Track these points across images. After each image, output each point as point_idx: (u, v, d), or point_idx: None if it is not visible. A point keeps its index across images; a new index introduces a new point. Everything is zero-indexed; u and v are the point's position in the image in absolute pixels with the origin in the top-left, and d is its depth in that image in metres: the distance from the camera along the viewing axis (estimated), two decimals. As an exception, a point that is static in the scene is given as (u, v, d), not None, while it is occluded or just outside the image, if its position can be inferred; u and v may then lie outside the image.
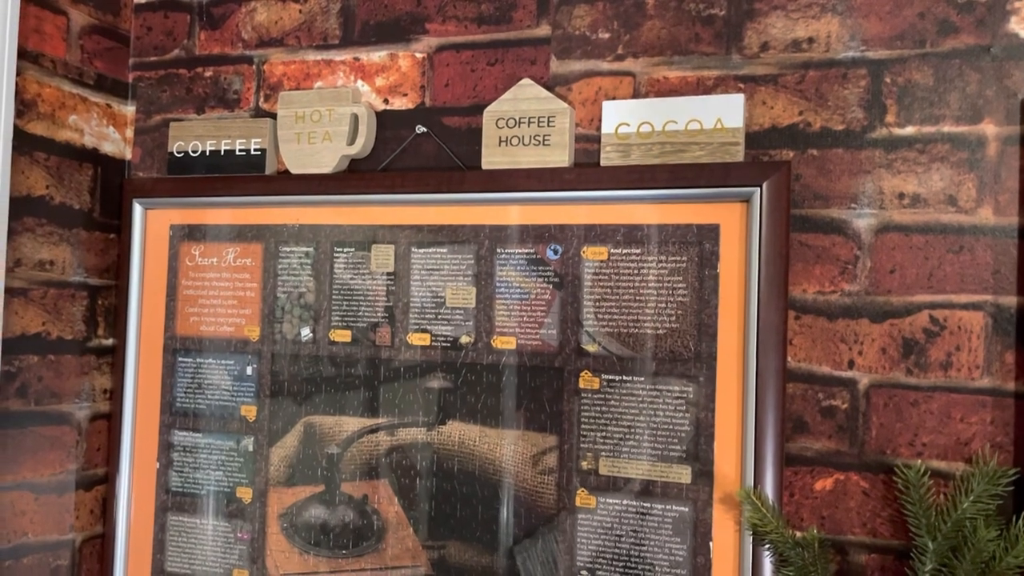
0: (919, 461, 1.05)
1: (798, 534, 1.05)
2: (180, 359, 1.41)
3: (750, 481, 1.09)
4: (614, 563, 1.16)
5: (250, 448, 1.36)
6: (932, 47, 1.08)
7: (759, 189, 1.11)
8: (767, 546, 1.07)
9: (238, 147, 1.38)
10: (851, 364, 1.10)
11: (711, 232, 1.15)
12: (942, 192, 1.07)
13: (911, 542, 1.02)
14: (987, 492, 1.00)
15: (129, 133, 1.48)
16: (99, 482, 1.42)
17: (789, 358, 1.12)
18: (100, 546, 1.42)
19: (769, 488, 1.09)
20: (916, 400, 1.07)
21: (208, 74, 1.44)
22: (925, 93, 1.08)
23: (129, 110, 1.48)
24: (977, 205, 1.06)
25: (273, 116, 1.39)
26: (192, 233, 1.42)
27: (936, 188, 1.08)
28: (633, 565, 1.16)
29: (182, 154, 1.42)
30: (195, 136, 1.41)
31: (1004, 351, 1.04)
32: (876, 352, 1.09)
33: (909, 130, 1.09)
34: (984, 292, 1.05)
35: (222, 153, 1.39)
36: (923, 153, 1.08)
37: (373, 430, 1.30)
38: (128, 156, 1.48)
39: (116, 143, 1.46)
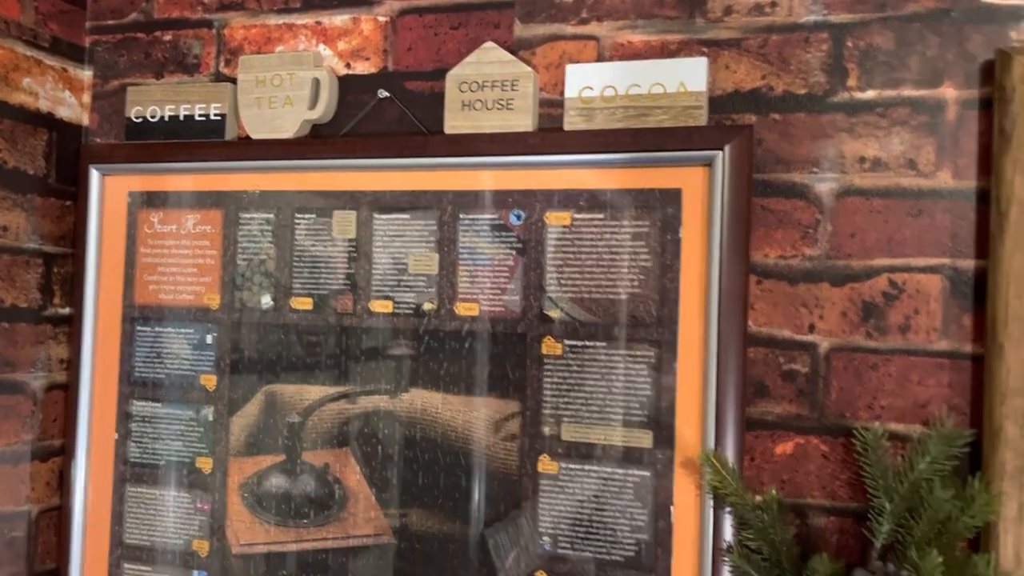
0: (877, 424, 1.06)
1: (757, 497, 1.06)
2: (139, 328, 1.39)
3: (711, 445, 1.09)
4: (576, 528, 1.16)
5: (210, 418, 1.35)
6: (893, 10, 1.08)
7: (721, 153, 1.10)
8: (727, 509, 1.08)
9: (198, 112, 1.36)
10: (812, 328, 1.10)
11: (673, 197, 1.14)
12: (902, 156, 1.08)
13: (869, 504, 1.03)
14: (943, 453, 1.01)
15: (86, 98, 1.45)
16: (55, 453, 1.40)
17: (750, 322, 1.12)
18: (57, 518, 1.40)
19: (730, 452, 1.09)
20: (875, 363, 1.08)
21: (167, 38, 1.41)
22: (886, 57, 1.08)
23: (86, 74, 1.45)
24: (936, 169, 1.06)
25: (233, 81, 1.36)
26: (151, 200, 1.39)
27: (896, 152, 1.08)
28: (595, 530, 1.15)
29: (140, 119, 1.39)
30: (154, 101, 1.39)
31: (961, 314, 1.05)
32: (836, 316, 1.10)
33: (870, 94, 1.09)
34: (942, 255, 1.06)
35: (181, 118, 1.37)
36: (884, 117, 1.08)
37: (335, 398, 1.29)
38: (85, 121, 1.45)
39: (72, 108, 1.43)
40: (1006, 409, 0.99)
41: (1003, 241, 1.00)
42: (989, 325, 1.01)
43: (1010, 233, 0.99)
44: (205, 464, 1.34)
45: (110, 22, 1.44)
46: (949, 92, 1.06)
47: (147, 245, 1.39)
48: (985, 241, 1.03)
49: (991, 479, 0.99)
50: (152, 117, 1.38)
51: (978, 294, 1.04)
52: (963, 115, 1.05)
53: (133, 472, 1.38)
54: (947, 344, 1.05)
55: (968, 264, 1.05)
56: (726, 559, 1.07)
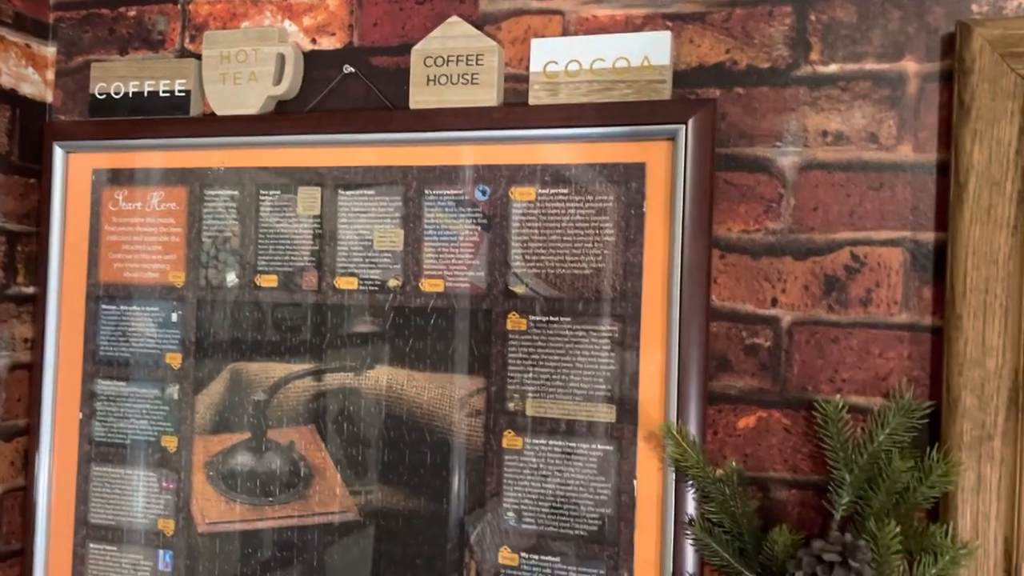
0: (838, 396, 1.06)
1: (719, 471, 1.06)
2: (103, 307, 1.38)
3: (674, 419, 1.09)
4: (540, 503, 1.16)
5: (175, 396, 1.34)
6: (855, -16, 1.08)
7: (684, 127, 1.10)
8: (689, 482, 1.08)
9: (162, 88, 1.35)
10: (774, 302, 1.11)
11: (637, 171, 1.14)
12: (864, 129, 1.08)
13: (829, 476, 1.03)
14: (903, 425, 1.01)
15: (50, 75, 1.43)
16: (19, 433, 1.39)
17: (713, 297, 1.12)
18: (22, 498, 1.39)
19: (693, 426, 1.09)
20: (837, 336, 1.08)
21: (132, 14, 1.40)
22: (848, 31, 1.08)
23: (50, 51, 1.43)
24: (897, 142, 1.06)
25: (198, 57, 1.35)
26: (115, 177, 1.38)
27: (858, 125, 1.08)
28: (559, 504, 1.15)
29: (104, 96, 1.38)
30: (118, 77, 1.37)
31: (922, 287, 1.05)
32: (799, 290, 1.10)
33: (832, 68, 1.09)
34: (903, 228, 1.06)
35: (146, 95, 1.35)
36: (845, 91, 1.08)
37: (300, 376, 1.28)
38: (49, 98, 1.43)
39: (36, 84, 1.41)
40: (964, 380, 0.99)
41: (962, 213, 1.00)
42: (948, 297, 1.01)
43: (969, 205, 1.00)
44: (170, 443, 1.34)
45: (74, -2, 1.43)
46: (910, 65, 1.06)
47: (112, 223, 1.38)
48: (945, 213, 1.03)
49: (949, 450, 1.00)
50: (116, 93, 1.37)
51: (938, 267, 1.05)
52: (924, 88, 1.06)
53: (98, 451, 1.37)
54: (907, 317, 1.06)
55: (928, 237, 1.05)
56: (688, 532, 1.07)
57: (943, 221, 1.04)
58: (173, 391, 1.34)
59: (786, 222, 1.10)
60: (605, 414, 1.14)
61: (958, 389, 1.00)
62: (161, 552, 1.33)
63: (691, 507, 1.09)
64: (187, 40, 1.37)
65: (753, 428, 1.11)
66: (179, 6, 1.38)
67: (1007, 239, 0.99)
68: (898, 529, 0.95)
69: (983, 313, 0.99)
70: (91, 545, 1.36)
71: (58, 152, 1.38)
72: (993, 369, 0.99)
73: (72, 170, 1.39)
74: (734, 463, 1.05)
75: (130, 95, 1.36)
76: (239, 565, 1.29)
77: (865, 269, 1.07)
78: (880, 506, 0.99)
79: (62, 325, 1.39)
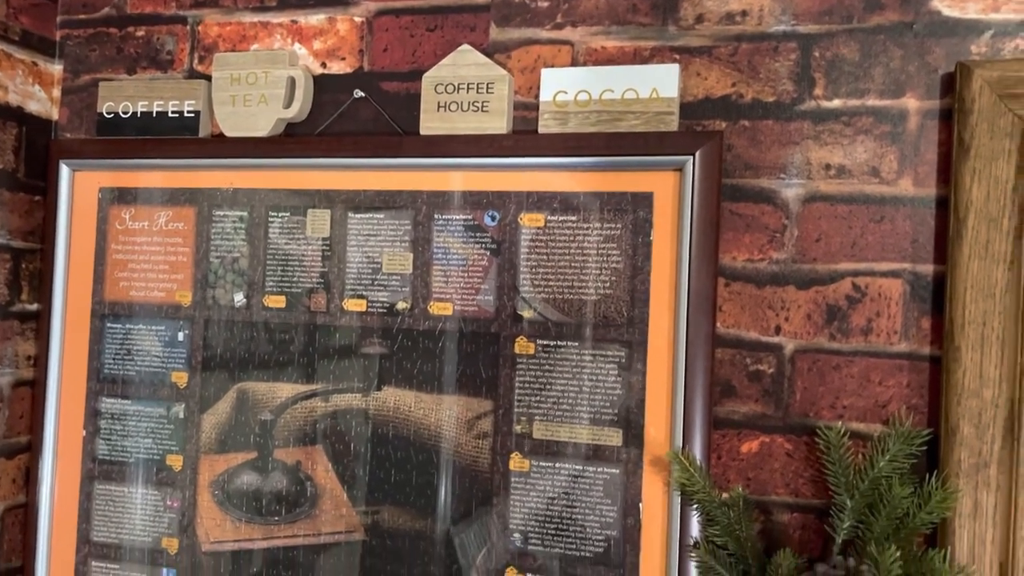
0: (840, 423, 1.09)
1: (724, 495, 1.08)
2: (108, 325, 1.38)
3: (679, 444, 1.12)
4: (546, 525, 1.18)
5: (181, 415, 1.34)
6: (859, 22, 1.12)
7: (692, 158, 1.13)
8: (694, 506, 1.10)
9: (171, 109, 1.36)
10: (778, 330, 1.14)
11: (645, 200, 1.17)
12: (866, 164, 1.11)
13: (831, 500, 1.06)
14: (902, 452, 1.04)
15: (56, 92, 1.44)
16: (22, 450, 1.39)
17: (718, 324, 1.15)
18: (23, 515, 1.39)
19: (697, 450, 1.11)
20: (838, 364, 1.11)
21: (140, 34, 1.41)
22: (851, 67, 1.12)
23: (56, 69, 1.44)
24: (898, 176, 1.10)
25: (208, 78, 1.36)
26: (122, 196, 1.39)
27: (860, 160, 1.11)
28: (565, 527, 1.17)
29: (112, 115, 1.38)
30: (126, 96, 1.38)
31: (920, 317, 1.09)
32: (801, 318, 1.13)
33: (836, 103, 1.12)
34: (903, 260, 1.09)
35: (154, 115, 1.36)
36: (848, 126, 1.12)
37: (308, 396, 1.29)
38: (55, 116, 1.44)
39: (42, 102, 1.41)
40: (962, 409, 1.03)
41: (961, 247, 1.04)
42: (947, 328, 1.04)
43: (967, 240, 1.03)
44: (175, 461, 1.34)
45: (81, 16, 1.43)
46: (911, 103, 1.10)
47: (118, 241, 1.38)
48: (944, 247, 1.07)
49: (947, 477, 1.03)
50: (124, 113, 1.38)
51: (936, 298, 1.08)
52: (924, 125, 1.09)
53: (101, 469, 1.37)
54: (907, 346, 1.09)
55: (927, 269, 1.08)
56: (693, 555, 1.10)
57: (942, 254, 1.07)
58: (179, 410, 1.34)
59: (789, 252, 1.13)
60: (611, 438, 1.16)
61: (956, 418, 1.03)
62: (164, 571, 1.33)
63: (695, 530, 1.11)
64: (196, 61, 1.38)
65: (756, 453, 1.14)
66: (188, 27, 1.39)
67: (1004, 274, 1.02)
68: (898, 553, 0.98)
69: (980, 345, 1.03)
70: (93, 563, 1.36)
71: (64, 170, 1.39)
72: (990, 399, 1.02)
73: (78, 188, 1.40)
74: (740, 488, 1.08)
75: (138, 115, 1.37)
76: (243, 584, 1.30)
77: (866, 299, 1.10)
78: (880, 531, 1.02)
79: (66, 343, 1.39)
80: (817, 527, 1.11)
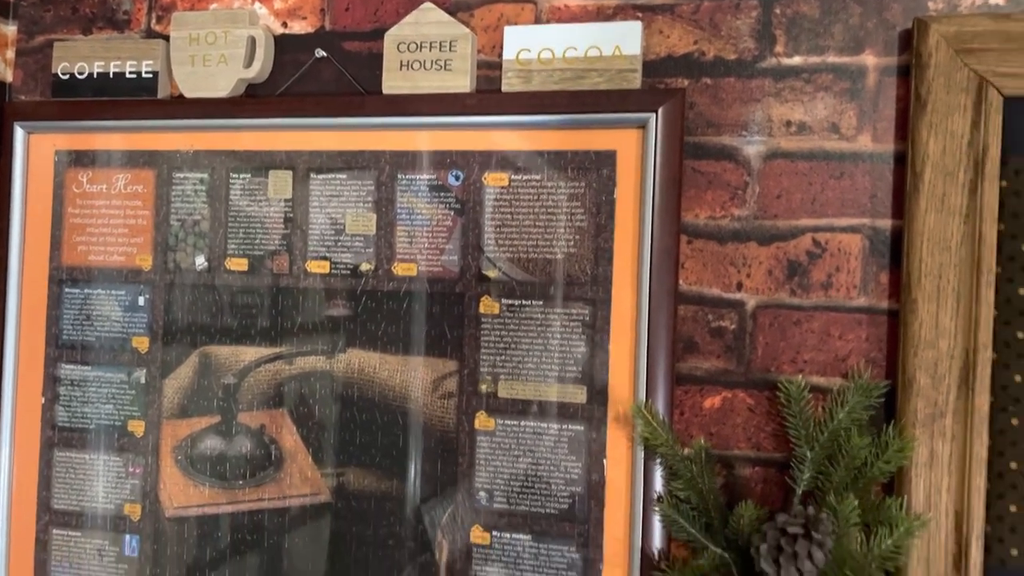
0: (800, 377, 1.10)
1: (686, 449, 1.09)
2: (67, 290, 1.36)
3: (643, 399, 1.12)
4: (512, 483, 1.19)
5: (142, 380, 1.33)
6: (819, -21, 1.12)
7: (654, 116, 1.13)
8: (658, 460, 1.11)
9: (128, 69, 1.33)
10: (739, 286, 1.14)
11: (608, 158, 1.17)
12: (826, 120, 1.12)
13: (791, 453, 1.08)
14: (861, 404, 1.06)
15: (10, 54, 1.40)
16: (-21, 418, 1.36)
17: (681, 281, 1.16)
18: (-19, 485, 1.37)
19: (661, 406, 1.12)
20: (799, 320, 1.13)
21: (96, -7, 1.38)
22: (811, 24, 1.12)
23: (10, 30, 1.40)
24: (857, 132, 1.11)
25: (166, 38, 1.33)
26: (79, 159, 1.36)
27: (820, 116, 1.12)
28: (531, 484, 1.18)
29: (67, 76, 1.35)
30: (82, 57, 1.35)
31: (879, 272, 1.10)
32: (763, 274, 1.14)
33: (796, 60, 1.13)
34: (862, 216, 1.11)
35: (111, 76, 1.34)
36: (809, 83, 1.12)
37: (271, 359, 1.28)
38: (9, 78, 1.40)
39: (-5, 63, 1.38)
40: (918, 360, 1.04)
41: (918, 201, 1.05)
42: (904, 280, 1.06)
43: (924, 194, 1.05)
44: (137, 427, 1.33)
45: (35, -25, 1.40)
46: (870, 59, 1.11)
47: (75, 205, 1.36)
48: (902, 202, 1.08)
49: (904, 427, 1.04)
50: (80, 74, 1.35)
51: (895, 253, 1.09)
52: (883, 81, 1.10)
53: (61, 436, 1.35)
54: (866, 300, 1.10)
55: (886, 224, 1.10)
56: (656, 508, 1.11)
57: (900, 209, 1.08)
58: (140, 375, 1.33)
59: (751, 209, 1.14)
60: (576, 395, 1.17)
61: (912, 369, 1.05)
62: (128, 537, 1.32)
63: (659, 485, 1.12)
64: (153, 21, 1.36)
65: (718, 408, 1.15)
66: (145, -14, 1.36)
67: (959, 227, 1.04)
68: (856, 502, 1.00)
69: (936, 297, 1.04)
70: (54, 531, 1.35)
71: (19, 132, 1.36)
72: (945, 350, 1.04)
73: (33, 151, 1.37)
74: (702, 441, 1.09)
75: (95, 76, 1.34)
76: (208, 549, 1.29)
77: (826, 255, 1.12)
78: (840, 481, 1.04)
79: (23, 309, 1.36)
80: (779, 480, 1.12)
